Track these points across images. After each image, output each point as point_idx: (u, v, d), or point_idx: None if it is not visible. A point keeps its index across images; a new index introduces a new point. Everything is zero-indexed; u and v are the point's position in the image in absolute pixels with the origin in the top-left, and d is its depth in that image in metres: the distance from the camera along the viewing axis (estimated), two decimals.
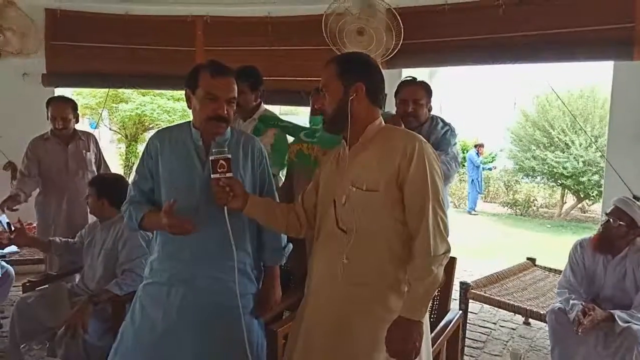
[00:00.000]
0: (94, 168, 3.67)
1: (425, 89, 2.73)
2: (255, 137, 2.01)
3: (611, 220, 2.69)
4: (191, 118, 1.91)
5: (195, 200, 1.80)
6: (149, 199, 1.91)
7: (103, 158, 3.83)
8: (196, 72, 1.80)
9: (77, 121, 3.64)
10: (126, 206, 1.90)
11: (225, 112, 1.79)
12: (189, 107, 1.86)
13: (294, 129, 2.63)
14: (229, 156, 1.67)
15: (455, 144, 2.78)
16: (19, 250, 3.89)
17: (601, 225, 2.77)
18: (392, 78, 2.79)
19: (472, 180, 11.08)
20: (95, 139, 3.80)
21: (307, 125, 2.66)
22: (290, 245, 2.05)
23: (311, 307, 1.67)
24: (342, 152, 1.68)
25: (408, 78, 2.77)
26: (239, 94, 2.64)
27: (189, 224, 1.71)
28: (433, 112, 2.80)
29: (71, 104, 3.56)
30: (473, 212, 10.97)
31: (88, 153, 3.64)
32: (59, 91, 4.84)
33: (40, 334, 2.60)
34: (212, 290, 1.83)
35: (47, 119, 3.53)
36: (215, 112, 1.78)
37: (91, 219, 3.13)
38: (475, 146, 11.77)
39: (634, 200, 2.76)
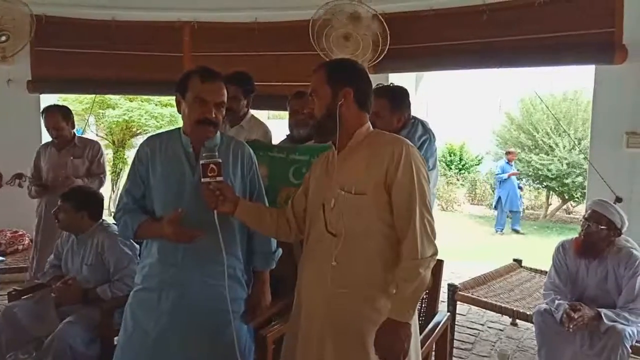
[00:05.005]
0: (82, 175, 3.60)
1: (389, 100, 2.50)
2: (245, 143, 2.01)
3: (591, 224, 2.70)
4: (180, 124, 1.91)
5: (185, 205, 1.80)
6: (142, 206, 1.91)
7: (99, 167, 3.67)
8: (186, 77, 1.82)
9: (72, 127, 3.67)
10: (120, 214, 1.89)
11: (214, 115, 1.80)
12: (179, 112, 1.88)
13: (283, 161, 2.58)
14: (220, 160, 1.68)
15: (434, 153, 2.64)
16: (3, 258, 3.86)
17: (582, 230, 2.77)
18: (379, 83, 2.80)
19: (499, 197, 9.57)
20: (95, 148, 3.68)
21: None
22: (280, 250, 2.06)
23: (303, 310, 1.68)
24: (331, 156, 1.70)
25: (376, 86, 2.49)
26: (232, 99, 2.65)
27: (195, 232, 1.74)
28: (418, 115, 2.76)
29: (61, 113, 3.58)
30: (500, 233, 9.43)
31: (77, 160, 3.61)
32: (45, 97, 4.80)
33: (26, 343, 2.58)
34: (202, 295, 1.83)
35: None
36: (203, 115, 1.79)
37: None
38: (507, 153, 10.16)
39: (609, 202, 2.81)
